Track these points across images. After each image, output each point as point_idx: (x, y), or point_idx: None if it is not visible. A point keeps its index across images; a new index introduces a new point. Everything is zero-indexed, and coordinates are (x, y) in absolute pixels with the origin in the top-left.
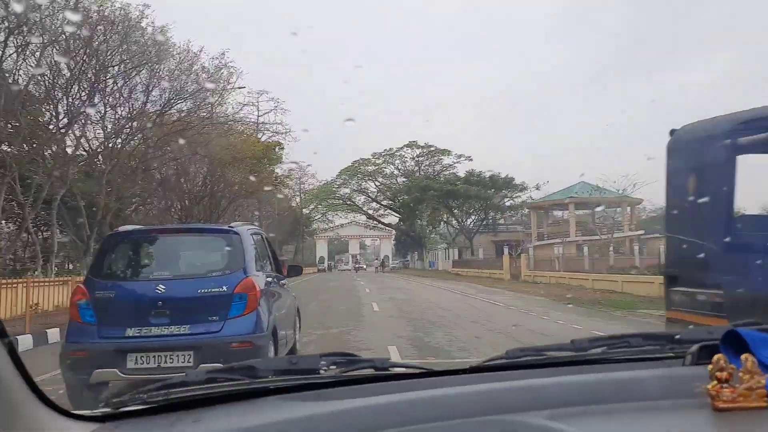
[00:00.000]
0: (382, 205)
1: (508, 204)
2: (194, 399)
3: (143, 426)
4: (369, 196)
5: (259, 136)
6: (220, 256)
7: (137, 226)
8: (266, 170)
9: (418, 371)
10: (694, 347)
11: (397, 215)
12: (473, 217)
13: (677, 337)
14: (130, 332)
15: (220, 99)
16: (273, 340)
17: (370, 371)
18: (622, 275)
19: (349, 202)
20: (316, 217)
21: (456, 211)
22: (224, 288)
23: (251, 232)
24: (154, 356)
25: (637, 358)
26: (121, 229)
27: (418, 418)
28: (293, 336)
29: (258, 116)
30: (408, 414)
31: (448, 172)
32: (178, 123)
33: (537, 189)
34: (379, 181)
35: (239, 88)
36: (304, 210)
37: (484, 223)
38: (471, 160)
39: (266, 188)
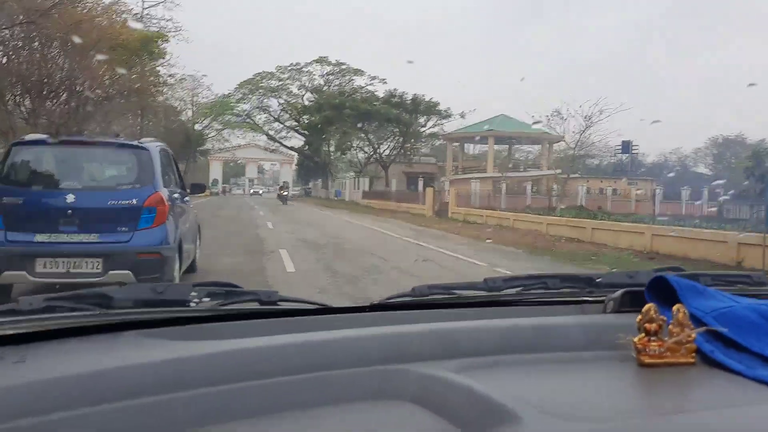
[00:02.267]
0: (285, 125)
1: (429, 132)
2: (24, 333)
3: None
4: (271, 115)
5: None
6: (130, 170)
7: (44, 136)
8: (146, 67)
9: (311, 307)
10: (617, 293)
11: (302, 138)
12: (390, 143)
13: (598, 280)
14: (38, 238)
15: None
16: (178, 253)
17: (253, 305)
18: (583, 219)
19: (248, 120)
20: (210, 135)
21: (371, 136)
22: (134, 201)
23: (159, 149)
24: (63, 262)
25: (555, 301)
26: (28, 137)
27: (305, 365)
28: (195, 250)
29: (144, 8)
30: (294, 359)
31: (364, 91)
32: None
33: (462, 117)
34: (283, 99)
35: None
36: (196, 125)
37: (401, 151)
38: (386, 82)
39: (139, 86)
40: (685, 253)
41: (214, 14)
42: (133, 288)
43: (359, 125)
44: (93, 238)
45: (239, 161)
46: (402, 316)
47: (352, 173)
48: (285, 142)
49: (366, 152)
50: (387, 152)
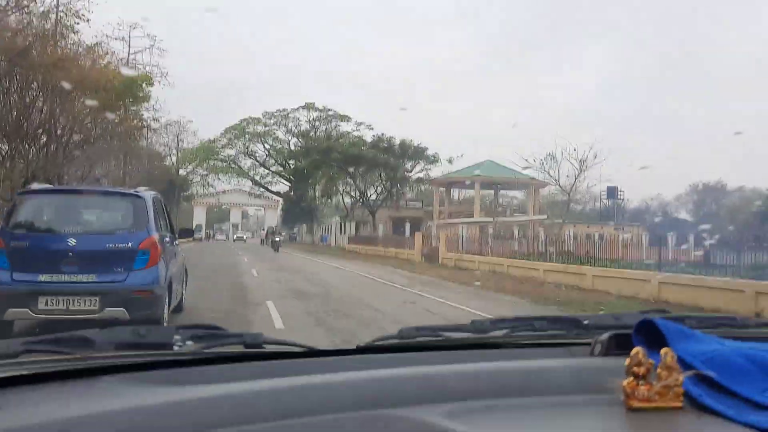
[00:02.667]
0: (270, 170)
1: (416, 177)
2: (1, 378)
3: None
4: (257, 160)
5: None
6: (126, 216)
7: (48, 185)
8: (129, 111)
9: (297, 350)
10: (605, 335)
11: (287, 183)
12: (377, 188)
13: (585, 322)
14: (41, 278)
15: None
16: (168, 292)
17: (238, 348)
18: (579, 265)
19: (233, 165)
20: (194, 180)
21: (358, 180)
22: (130, 244)
23: (153, 197)
24: (63, 299)
25: (542, 343)
26: (33, 186)
27: (290, 410)
28: (182, 291)
29: (129, 53)
30: (279, 404)
31: (351, 136)
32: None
33: (450, 162)
34: (269, 144)
35: None
36: (180, 171)
37: (388, 196)
38: (372, 128)
39: (122, 129)
40: (696, 302)
41: (200, 60)
42: (114, 331)
43: (347, 169)
44: (91, 278)
45: (223, 206)
46: (389, 359)
47: (338, 217)
48: (270, 187)
49: (352, 196)
50: (374, 197)
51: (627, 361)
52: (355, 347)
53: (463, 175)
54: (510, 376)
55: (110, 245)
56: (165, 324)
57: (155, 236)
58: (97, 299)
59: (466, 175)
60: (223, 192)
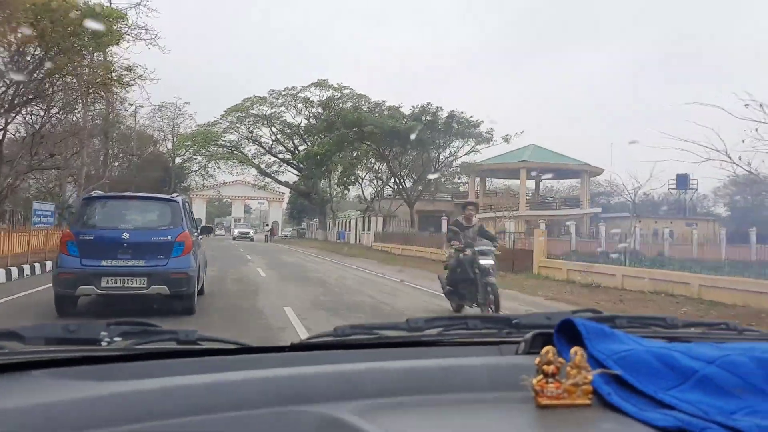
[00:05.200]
0: (277, 158)
1: (463, 159)
2: None
3: None
4: (262, 146)
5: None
6: (165, 216)
7: (105, 193)
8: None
9: (230, 347)
10: (529, 335)
11: (296, 172)
12: (413, 174)
13: (515, 321)
14: (104, 263)
15: None
16: (197, 274)
17: (171, 344)
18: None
19: (235, 152)
20: (192, 170)
21: (392, 163)
22: (169, 237)
23: (182, 200)
24: (120, 279)
25: (474, 342)
26: (94, 194)
27: (214, 405)
28: (203, 277)
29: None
30: (203, 399)
31: (384, 108)
32: None
33: (507, 141)
34: (276, 128)
35: None
36: (177, 158)
37: (429, 183)
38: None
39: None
40: None
41: (198, 34)
42: (44, 326)
43: (380, 149)
44: (141, 263)
45: (224, 199)
46: (320, 357)
47: (357, 211)
48: (278, 177)
49: (377, 185)
50: (409, 184)
51: (537, 360)
52: (289, 344)
53: (505, 161)
54: (429, 374)
55: (154, 238)
56: (196, 299)
57: (188, 231)
58: (146, 279)
59: (510, 161)
60: (224, 183)
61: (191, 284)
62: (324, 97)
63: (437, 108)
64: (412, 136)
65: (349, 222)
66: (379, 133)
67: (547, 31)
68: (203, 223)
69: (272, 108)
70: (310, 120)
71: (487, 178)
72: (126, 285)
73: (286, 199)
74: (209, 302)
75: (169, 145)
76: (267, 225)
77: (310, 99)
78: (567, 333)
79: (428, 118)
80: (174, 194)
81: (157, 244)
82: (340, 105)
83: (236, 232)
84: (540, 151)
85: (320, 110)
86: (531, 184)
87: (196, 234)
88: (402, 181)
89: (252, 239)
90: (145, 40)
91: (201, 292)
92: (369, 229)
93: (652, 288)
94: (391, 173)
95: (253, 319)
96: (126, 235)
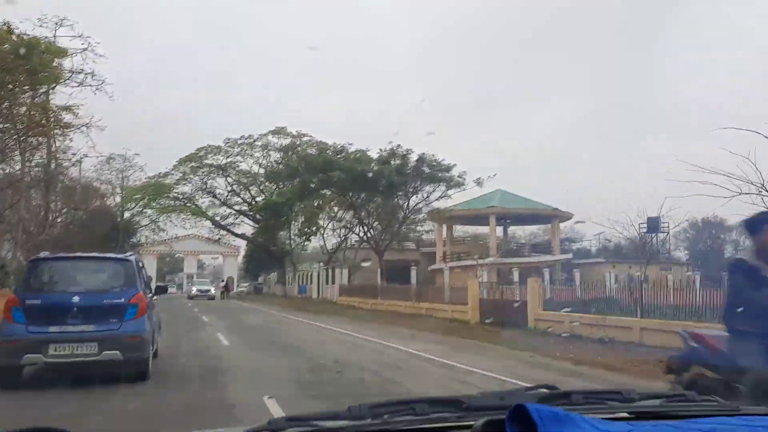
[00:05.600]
0: (233, 209)
1: (433, 205)
2: None
3: None
4: (217, 198)
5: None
6: (118, 276)
7: (54, 254)
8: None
9: None
10: (479, 422)
11: (254, 223)
12: (380, 220)
13: (465, 404)
14: (51, 329)
15: None
16: (152, 337)
17: None
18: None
19: (188, 204)
20: (142, 224)
21: (359, 211)
22: (122, 300)
23: (136, 259)
24: (68, 346)
25: (422, 429)
26: (41, 255)
27: None
28: (157, 338)
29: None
30: None
31: (351, 152)
32: None
33: (479, 185)
34: (232, 178)
35: None
36: (125, 213)
37: (398, 229)
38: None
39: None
40: None
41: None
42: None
43: (347, 195)
44: (92, 327)
45: (177, 255)
46: None
47: (319, 263)
48: (234, 229)
49: (339, 235)
50: (373, 233)
51: None
52: None
53: (473, 206)
54: None
55: (106, 301)
56: (150, 364)
57: (142, 292)
58: (97, 345)
59: (479, 206)
60: (176, 238)
61: (146, 348)
62: (283, 144)
63: (407, 150)
64: (383, 181)
65: (311, 275)
66: (347, 178)
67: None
68: (154, 281)
69: (228, 157)
70: (268, 169)
71: (454, 225)
72: (75, 352)
73: (243, 253)
74: (157, 393)
75: (118, 199)
76: (222, 280)
77: (269, 147)
78: (520, 418)
79: (397, 161)
80: (128, 253)
81: (110, 307)
82: (305, 149)
83: (194, 290)
84: (508, 196)
85: (280, 156)
86: (498, 230)
87: (150, 294)
88: (370, 228)
89: (213, 298)
90: (91, 85)
91: (155, 355)
92: (333, 282)
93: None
94: (359, 221)
95: (225, 423)
96: (76, 299)
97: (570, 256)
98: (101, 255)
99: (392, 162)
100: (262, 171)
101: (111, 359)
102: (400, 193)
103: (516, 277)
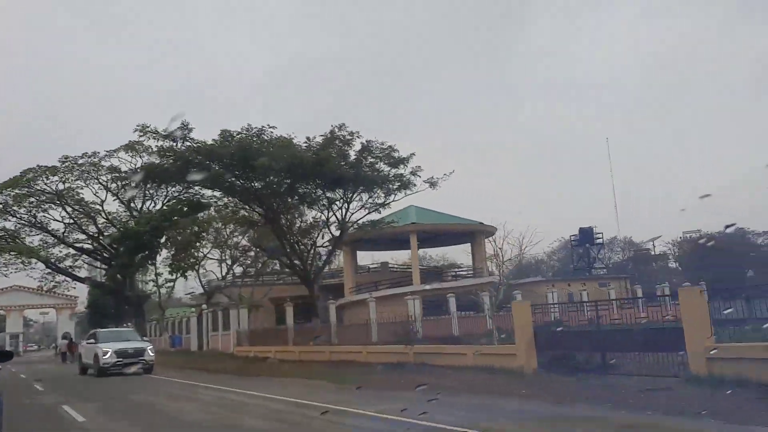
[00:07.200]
0: (74, 247)
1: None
2: None
3: None
4: (52, 234)
5: None
6: None
7: None
8: None
9: None
10: None
11: (104, 264)
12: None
13: None
14: None
15: None
16: None
17: None
18: None
19: (11, 242)
20: None
21: (278, 224)
22: None
23: None
24: None
25: None
26: None
27: None
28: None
29: None
30: None
31: (276, 139)
32: None
33: (432, 187)
34: (72, 208)
35: None
36: None
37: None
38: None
39: None
40: None
41: None
42: None
43: (266, 205)
44: None
45: None
46: None
47: (192, 309)
48: (75, 273)
49: (227, 267)
50: (298, 250)
51: None
52: None
53: (385, 226)
54: None
55: None
56: None
57: None
58: None
59: (393, 225)
60: None
61: None
62: (137, 165)
63: (351, 133)
64: (328, 175)
65: (186, 322)
66: (278, 167)
67: None
68: None
69: (64, 183)
70: (119, 194)
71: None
72: None
73: (85, 303)
74: None
75: None
76: (64, 338)
77: (119, 167)
78: None
79: (339, 146)
80: None
81: None
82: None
83: (105, 354)
84: (423, 212)
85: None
86: (404, 254)
87: None
88: (298, 249)
89: (150, 368)
90: None
91: None
92: (226, 328)
93: None
94: (279, 240)
95: None
96: None
97: (495, 277)
98: None
99: (331, 150)
100: (111, 197)
101: None
102: (340, 196)
103: (453, 305)
